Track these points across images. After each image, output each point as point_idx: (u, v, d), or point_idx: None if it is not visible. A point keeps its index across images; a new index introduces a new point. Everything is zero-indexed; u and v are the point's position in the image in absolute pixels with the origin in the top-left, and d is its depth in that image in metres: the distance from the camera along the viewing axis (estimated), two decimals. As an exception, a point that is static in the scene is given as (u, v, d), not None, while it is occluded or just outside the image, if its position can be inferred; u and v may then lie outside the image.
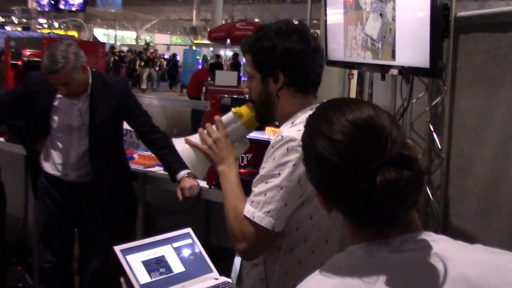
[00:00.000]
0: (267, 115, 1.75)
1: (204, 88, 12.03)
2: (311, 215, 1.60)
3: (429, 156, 2.73)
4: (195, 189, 3.08)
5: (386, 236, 1.06)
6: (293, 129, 1.60)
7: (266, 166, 1.59)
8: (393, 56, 2.37)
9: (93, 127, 3.10)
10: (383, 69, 2.50)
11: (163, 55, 27.69)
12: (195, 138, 1.77)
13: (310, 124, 1.17)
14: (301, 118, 1.63)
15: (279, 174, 1.56)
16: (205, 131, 1.74)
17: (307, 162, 1.15)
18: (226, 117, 1.76)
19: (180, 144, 1.77)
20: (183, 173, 3.09)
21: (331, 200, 1.11)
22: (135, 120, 3.23)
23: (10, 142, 4.20)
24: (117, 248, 2.33)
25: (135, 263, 2.32)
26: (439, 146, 2.65)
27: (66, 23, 31.93)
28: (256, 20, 27.41)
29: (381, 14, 2.46)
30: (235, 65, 15.13)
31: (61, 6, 17.83)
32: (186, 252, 2.49)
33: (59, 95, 3.09)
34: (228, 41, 15.23)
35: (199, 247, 2.56)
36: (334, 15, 2.92)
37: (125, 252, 2.35)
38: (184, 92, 18.11)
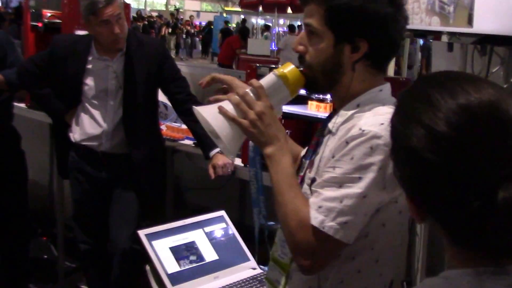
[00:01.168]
0: (324, 87, 1.43)
1: (236, 57, 11.85)
2: (385, 222, 1.33)
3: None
4: (228, 167, 2.87)
5: (500, 263, 0.80)
6: (374, 120, 1.27)
7: (340, 166, 1.26)
8: (470, 22, 1.97)
9: (129, 91, 2.84)
10: (455, 38, 2.10)
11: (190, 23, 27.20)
12: (226, 106, 1.36)
13: (403, 106, 0.91)
14: (373, 103, 1.34)
15: (359, 178, 1.25)
16: (241, 100, 1.34)
17: (396, 156, 0.91)
18: (268, 81, 1.37)
19: (208, 113, 1.36)
20: (217, 149, 2.87)
21: (425, 209, 0.87)
22: (172, 85, 2.94)
23: (31, 108, 3.96)
24: (142, 233, 2.11)
25: (162, 249, 2.10)
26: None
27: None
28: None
29: (456, -31, 2.06)
30: (242, 31, 14.47)
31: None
32: (219, 238, 2.27)
33: (91, 57, 2.84)
34: (260, 8, 14.80)
35: (234, 232, 2.32)
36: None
37: (151, 237, 2.12)
38: (215, 60, 17.91)
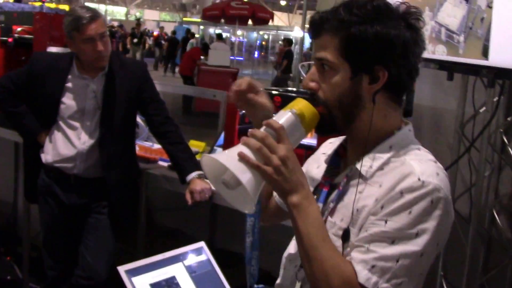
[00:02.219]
0: (342, 125, 1.24)
1: (197, 68, 11.74)
2: (424, 272, 1.18)
3: (498, 174, 2.23)
4: (206, 192, 2.70)
5: None
6: (429, 169, 1.14)
7: (395, 220, 1.11)
8: (485, 54, 1.79)
9: (107, 112, 2.69)
10: (466, 70, 1.93)
11: (151, 31, 26.77)
12: (241, 151, 1.15)
13: None
14: (407, 146, 1.20)
15: (416, 235, 1.11)
16: (261, 145, 1.14)
17: None
18: (286, 120, 1.18)
19: (225, 160, 1.14)
20: (194, 174, 2.72)
21: None
22: (151, 107, 2.80)
23: (-3, 125, 3.80)
24: (122, 269, 1.91)
25: (142, 286, 1.91)
26: (517, 163, 2.16)
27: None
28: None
29: (466, -1, 1.89)
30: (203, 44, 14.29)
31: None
32: (199, 271, 2.07)
33: (71, 76, 2.69)
34: (222, 20, 14.74)
35: (214, 265, 2.16)
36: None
37: (131, 273, 1.92)
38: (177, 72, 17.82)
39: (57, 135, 2.73)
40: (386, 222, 1.11)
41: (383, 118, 1.21)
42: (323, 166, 1.36)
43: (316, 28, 1.21)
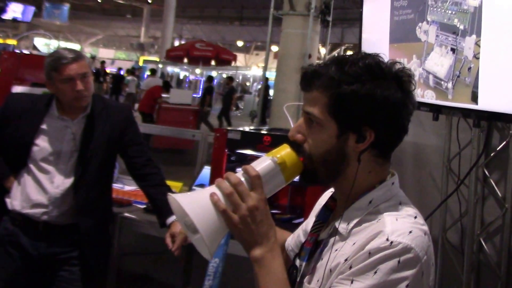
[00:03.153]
0: (324, 180, 1.21)
1: (157, 106, 11.69)
2: None
3: (482, 205, 2.41)
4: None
5: None
6: (401, 227, 1.09)
7: (360, 280, 1.05)
8: (474, 99, 1.98)
9: (86, 155, 2.53)
10: (456, 113, 2.12)
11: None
12: (214, 192, 1.13)
13: None
14: (388, 201, 1.16)
15: None
16: (233, 190, 1.11)
17: None
18: (265, 167, 1.15)
19: (186, 201, 1.10)
20: (175, 217, 2.43)
21: None
22: (132, 150, 2.67)
23: None
24: None
25: None
26: (499, 194, 2.34)
27: (6, 31, 30.32)
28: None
29: (453, 50, 2.08)
30: (165, 82, 14.26)
31: (5, 16, 16.66)
32: None
33: (48, 117, 2.54)
34: (186, 60, 14.85)
35: None
36: (375, 46, 2.52)
37: None
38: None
39: (27, 179, 2.52)
40: (352, 281, 1.06)
41: (368, 174, 1.18)
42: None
43: (307, 82, 1.19)
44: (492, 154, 2.37)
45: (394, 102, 1.13)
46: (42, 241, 2.50)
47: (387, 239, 1.06)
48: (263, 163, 1.15)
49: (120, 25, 37.28)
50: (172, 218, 2.54)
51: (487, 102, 1.94)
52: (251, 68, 26.08)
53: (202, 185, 3.30)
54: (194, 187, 3.36)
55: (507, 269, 2.35)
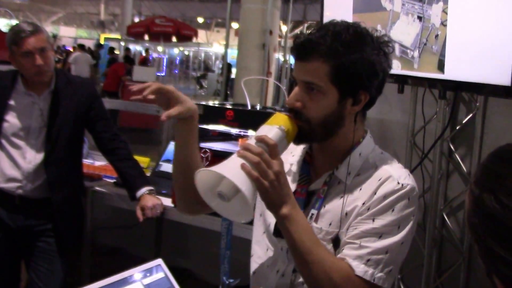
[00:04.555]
0: (320, 139, 1.33)
1: (122, 84, 11.47)
2: (404, 256, 1.34)
3: (446, 180, 2.31)
4: (158, 208, 2.65)
5: None
6: (401, 172, 1.30)
7: (381, 218, 1.25)
8: (441, 68, 1.85)
9: (54, 130, 2.55)
10: (422, 83, 1.99)
11: (65, 46, 25.71)
12: (239, 164, 1.19)
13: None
14: (372, 151, 1.35)
15: (398, 227, 1.26)
16: (259, 160, 1.18)
17: (494, 235, 0.75)
18: (276, 136, 1.24)
19: (227, 171, 1.17)
20: (144, 190, 2.65)
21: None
22: (99, 125, 2.70)
23: None
24: None
25: None
26: (464, 169, 2.24)
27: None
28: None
29: (419, 17, 1.94)
30: (127, 58, 14.00)
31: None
32: None
33: (15, 93, 2.55)
34: (146, 37, 14.49)
35: (172, 282, 2.04)
36: (338, 16, 2.35)
37: None
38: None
39: (0, 155, 2.56)
40: (373, 220, 1.25)
41: (356, 131, 1.33)
42: (290, 173, 1.41)
43: (304, 52, 1.26)
44: (457, 127, 2.26)
45: (383, 67, 1.27)
46: (19, 213, 2.57)
47: (398, 183, 1.25)
48: (272, 131, 1.24)
49: (79, 2, 36.31)
50: (141, 191, 2.62)
51: (454, 71, 1.83)
52: (213, 45, 25.67)
53: (168, 160, 3.33)
54: (161, 163, 3.39)
55: (469, 244, 2.27)
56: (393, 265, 1.25)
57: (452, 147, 2.29)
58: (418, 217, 2.45)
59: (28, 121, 2.53)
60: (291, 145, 1.40)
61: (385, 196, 1.25)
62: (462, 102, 2.25)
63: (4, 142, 2.54)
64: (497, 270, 0.78)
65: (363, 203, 1.27)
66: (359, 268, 1.23)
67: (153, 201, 2.62)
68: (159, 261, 2.06)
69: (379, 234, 1.24)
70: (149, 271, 2.02)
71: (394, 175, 1.27)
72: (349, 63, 1.22)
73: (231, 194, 1.20)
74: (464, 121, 2.25)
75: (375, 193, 1.26)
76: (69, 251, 2.76)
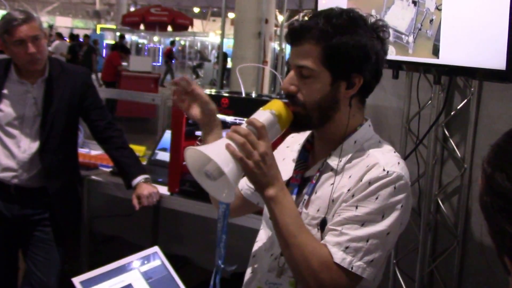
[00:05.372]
0: (316, 124, 1.33)
1: (118, 73, 11.41)
2: (390, 248, 1.32)
3: (441, 165, 2.29)
4: (154, 196, 2.65)
5: None
6: (391, 160, 1.27)
7: (364, 205, 1.22)
8: (435, 53, 1.83)
9: (48, 119, 2.54)
10: (417, 68, 1.97)
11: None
12: (228, 143, 1.22)
13: None
14: (369, 139, 1.33)
15: (382, 217, 1.22)
16: (245, 140, 1.21)
17: (506, 214, 0.73)
18: (266, 119, 1.26)
19: (211, 151, 1.20)
20: (140, 178, 2.65)
21: None
22: (93, 113, 2.69)
23: None
24: (76, 280, 1.79)
25: None
26: (459, 155, 2.22)
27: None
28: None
29: (414, 2, 1.91)
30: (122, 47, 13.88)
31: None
32: (155, 277, 1.97)
33: (9, 82, 2.53)
34: (142, 26, 14.38)
35: (169, 269, 2.07)
36: (333, 3, 2.33)
37: (86, 284, 1.79)
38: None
39: None
40: (356, 207, 1.22)
41: (353, 117, 1.30)
42: (289, 159, 1.43)
43: (296, 36, 1.27)
44: (452, 113, 2.24)
45: (377, 50, 1.26)
46: (15, 203, 2.57)
47: (384, 169, 1.22)
48: (263, 115, 1.26)
49: (75, -9, 35.99)
50: (137, 180, 2.61)
51: (449, 55, 1.81)
52: (209, 34, 25.53)
53: (164, 149, 3.32)
54: (156, 151, 3.38)
55: (463, 229, 2.27)
56: (375, 255, 1.22)
57: (447, 133, 2.27)
58: (413, 203, 2.48)
59: (22, 110, 2.52)
60: (299, 135, 1.45)
61: (369, 183, 1.23)
62: (457, 88, 2.23)
63: None
64: (509, 250, 0.77)
65: (348, 190, 1.26)
66: (337, 255, 1.21)
67: (149, 189, 2.61)
68: (156, 248, 2.07)
69: (362, 221, 1.22)
70: (146, 259, 2.04)
71: (381, 162, 1.25)
72: (339, 45, 1.22)
73: (216, 173, 1.21)
74: (459, 107, 2.23)
75: (361, 180, 1.24)
76: (66, 240, 2.76)
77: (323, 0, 2.49)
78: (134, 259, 1.97)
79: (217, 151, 1.20)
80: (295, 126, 1.33)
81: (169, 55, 19.23)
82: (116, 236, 3.92)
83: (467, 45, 1.74)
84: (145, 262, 2.02)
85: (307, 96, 1.27)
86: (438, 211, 2.33)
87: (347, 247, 1.21)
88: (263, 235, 1.48)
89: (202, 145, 1.27)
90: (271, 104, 1.29)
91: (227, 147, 1.19)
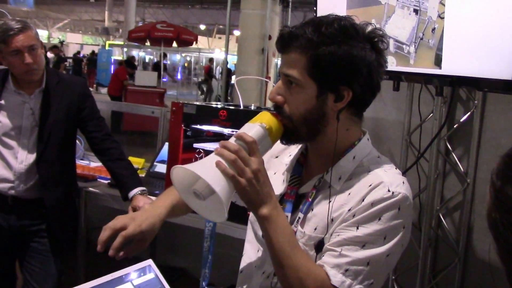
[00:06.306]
0: (305, 138, 1.23)
1: (124, 88, 11.40)
2: (390, 269, 1.23)
3: (443, 180, 2.19)
4: None
5: None
6: (395, 179, 1.16)
7: (366, 226, 1.13)
8: (438, 63, 1.74)
9: (45, 130, 2.48)
10: (418, 79, 1.87)
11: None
12: (219, 160, 1.12)
13: None
14: (368, 155, 1.23)
15: (384, 238, 1.13)
16: (236, 157, 1.12)
17: None
18: (256, 133, 1.16)
19: (200, 170, 1.10)
20: (136, 190, 2.56)
21: None
22: (91, 124, 2.62)
23: None
24: None
25: None
26: (461, 169, 2.12)
27: (-28, 18, 29.40)
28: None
29: (415, 11, 1.83)
30: (128, 63, 13.90)
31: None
32: None
33: (6, 92, 2.47)
34: (147, 41, 14.41)
35: (162, 282, 1.98)
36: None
37: None
38: (99, 90, 17.38)
39: None
40: (357, 228, 1.13)
41: (346, 132, 1.20)
42: (280, 172, 1.34)
43: (284, 43, 1.18)
44: (455, 126, 2.14)
45: (369, 61, 1.14)
46: (12, 214, 2.51)
47: (389, 190, 1.13)
48: (253, 129, 1.16)
49: (84, 10, 36.50)
50: (133, 192, 2.53)
51: (451, 65, 1.71)
52: (214, 50, 25.63)
53: (163, 161, 3.25)
54: (155, 163, 3.30)
55: (465, 245, 2.16)
56: (374, 278, 1.14)
57: (449, 146, 2.18)
58: (413, 218, 2.38)
59: (19, 120, 2.46)
60: (291, 146, 1.33)
61: (372, 204, 1.13)
62: (460, 100, 2.14)
63: None
64: None
65: (349, 209, 1.16)
66: (336, 278, 1.12)
67: (145, 201, 2.50)
68: (150, 261, 1.99)
69: (362, 243, 1.13)
70: (140, 272, 1.97)
71: (386, 182, 1.15)
72: (325, 55, 1.12)
73: (206, 192, 1.13)
74: (461, 120, 2.14)
75: (363, 200, 1.15)
76: (63, 251, 2.70)
77: (320, 12, 2.42)
78: (127, 272, 1.92)
79: (206, 169, 1.10)
80: (285, 139, 1.23)
81: (209, 72, 19.19)
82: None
83: (471, 54, 1.65)
84: (139, 275, 1.96)
85: (293, 107, 1.19)
86: (440, 226, 2.22)
87: (346, 270, 1.13)
88: (250, 251, 1.39)
89: (191, 164, 1.15)
90: (260, 117, 1.20)
91: (218, 164, 1.10)
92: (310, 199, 1.23)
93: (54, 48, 18.50)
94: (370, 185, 1.15)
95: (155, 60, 21.67)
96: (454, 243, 2.18)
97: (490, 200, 0.70)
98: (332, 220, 1.18)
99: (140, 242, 1.38)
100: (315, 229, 1.20)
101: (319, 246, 1.19)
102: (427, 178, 2.17)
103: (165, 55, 15.55)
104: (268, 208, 1.14)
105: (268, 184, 1.15)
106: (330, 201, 1.18)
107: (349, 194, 1.17)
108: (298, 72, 1.16)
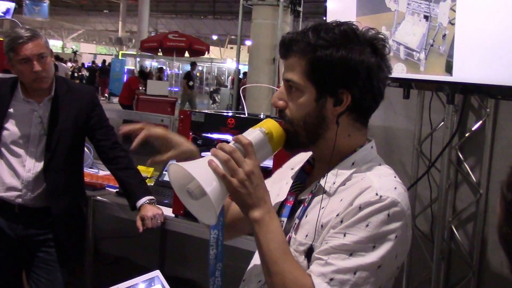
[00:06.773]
0: (306, 143, 1.22)
1: (136, 97, 11.45)
2: (383, 284, 1.14)
3: (455, 190, 2.13)
4: (158, 218, 2.52)
5: None
6: (387, 184, 1.12)
7: (353, 233, 1.08)
8: (448, 70, 1.69)
9: (54, 138, 2.46)
10: (429, 87, 1.82)
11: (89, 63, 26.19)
12: (211, 160, 1.12)
13: None
14: (368, 162, 1.19)
15: (373, 247, 1.08)
16: (229, 157, 1.12)
17: None
18: (254, 137, 1.15)
19: (193, 168, 1.10)
20: (145, 199, 2.53)
21: None
22: (99, 133, 2.59)
23: None
24: None
25: None
26: (474, 179, 2.06)
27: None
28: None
29: (426, 17, 1.78)
30: (141, 72, 14.06)
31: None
32: None
33: (15, 101, 2.45)
34: (160, 51, 14.49)
35: None
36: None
37: None
38: (111, 100, 17.52)
39: (0, 163, 2.45)
40: (345, 235, 1.09)
41: (347, 137, 1.18)
42: (290, 182, 1.31)
43: (285, 49, 1.19)
44: (467, 135, 2.08)
45: (368, 65, 1.13)
46: (19, 223, 2.49)
47: (376, 194, 1.08)
48: (252, 133, 1.16)
49: (98, 20, 37.02)
50: (142, 201, 2.51)
51: (463, 72, 1.66)
52: (226, 60, 25.73)
53: None
54: (164, 172, 3.27)
55: (479, 259, 2.09)
56: None
57: (460, 156, 2.11)
58: (425, 229, 2.32)
59: (28, 129, 2.44)
60: (306, 155, 1.33)
61: (360, 207, 1.09)
62: (471, 108, 2.08)
63: (3, 150, 2.45)
64: None
65: (337, 215, 1.12)
66: (321, 287, 1.08)
67: (153, 211, 2.50)
68: (157, 272, 1.97)
69: (349, 251, 1.08)
70: (147, 283, 1.94)
71: (375, 186, 1.11)
72: (323, 58, 1.12)
73: (198, 192, 1.12)
74: (473, 128, 2.07)
75: (351, 204, 1.11)
76: (70, 261, 2.67)
77: (330, 19, 2.38)
78: (134, 283, 1.89)
79: (199, 168, 1.09)
80: (286, 145, 1.22)
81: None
82: (122, 258, 3.83)
83: (482, 61, 1.59)
84: (146, 286, 1.93)
85: (294, 111, 1.18)
86: (452, 238, 2.15)
87: (331, 279, 1.08)
88: (256, 259, 1.35)
89: (186, 162, 1.16)
90: (263, 123, 1.19)
91: (209, 163, 1.09)
92: (305, 204, 1.21)
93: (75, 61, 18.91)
94: (360, 189, 1.12)
95: (168, 70, 21.78)
96: (467, 256, 2.11)
97: (501, 214, 0.65)
98: (322, 226, 1.15)
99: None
100: (306, 235, 1.18)
101: (309, 254, 1.16)
102: (438, 188, 2.11)
103: (194, 64, 15.59)
104: (260, 211, 1.12)
105: (262, 187, 1.13)
106: (322, 207, 1.16)
107: (341, 200, 1.14)
108: (297, 76, 1.16)
